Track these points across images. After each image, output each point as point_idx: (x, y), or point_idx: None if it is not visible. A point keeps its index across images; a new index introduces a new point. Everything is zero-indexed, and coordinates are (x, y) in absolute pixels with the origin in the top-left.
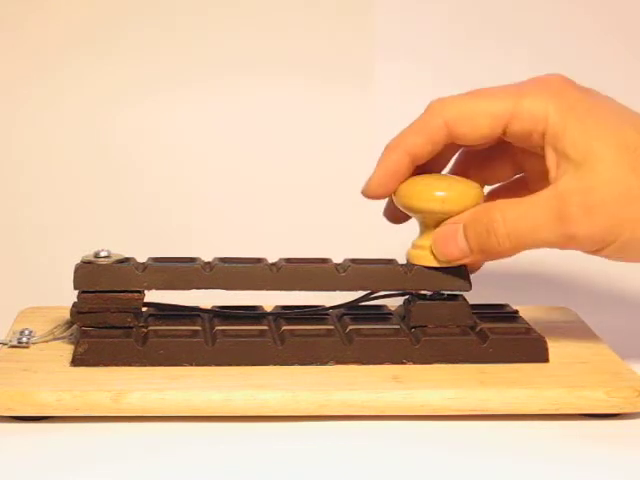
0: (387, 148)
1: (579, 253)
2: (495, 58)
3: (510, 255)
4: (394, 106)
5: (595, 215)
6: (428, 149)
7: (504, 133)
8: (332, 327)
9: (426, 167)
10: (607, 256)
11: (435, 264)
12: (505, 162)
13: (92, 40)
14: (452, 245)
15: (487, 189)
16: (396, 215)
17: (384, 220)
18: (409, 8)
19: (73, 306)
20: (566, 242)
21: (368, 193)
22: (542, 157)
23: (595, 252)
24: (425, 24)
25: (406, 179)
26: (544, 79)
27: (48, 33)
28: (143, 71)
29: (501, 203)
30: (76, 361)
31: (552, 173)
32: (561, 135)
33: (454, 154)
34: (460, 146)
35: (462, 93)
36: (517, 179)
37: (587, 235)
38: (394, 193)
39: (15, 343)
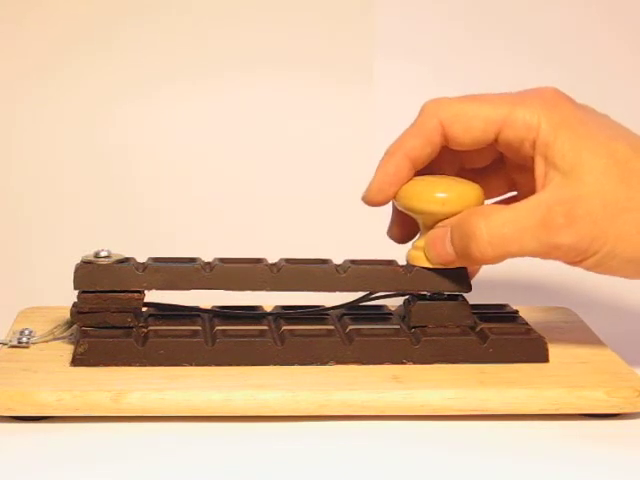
0: (386, 153)
1: None
2: (495, 56)
3: (493, 263)
4: (394, 104)
5: (580, 225)
6: (427, 151)
7: (496, 140)
8: (332, 327)
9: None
10: (588, 267)
11: (431, 265)
12: (499, 178)
13: (89, 40)
14: (440, 248)
15: None
16: (400, 235)
17: (384, 220)
18: (409, 5)
19: (73, 306)
20: (549, 251)
21: (369, 199)
22: (533, 172)
23: (576, 263)
24: (425, 22)
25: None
26: (539, 91)
27: (43, 34)
28: (144, 69)
29: (486, 209)
30: (76, 361)
31: (539, 182)
32: (551, 144)
33: (452, 166)
34: (456, 153)
35: (457, 96)
36: (509, 198)
37: (571, 245)
38: (394, 197)
39: (15, 343)
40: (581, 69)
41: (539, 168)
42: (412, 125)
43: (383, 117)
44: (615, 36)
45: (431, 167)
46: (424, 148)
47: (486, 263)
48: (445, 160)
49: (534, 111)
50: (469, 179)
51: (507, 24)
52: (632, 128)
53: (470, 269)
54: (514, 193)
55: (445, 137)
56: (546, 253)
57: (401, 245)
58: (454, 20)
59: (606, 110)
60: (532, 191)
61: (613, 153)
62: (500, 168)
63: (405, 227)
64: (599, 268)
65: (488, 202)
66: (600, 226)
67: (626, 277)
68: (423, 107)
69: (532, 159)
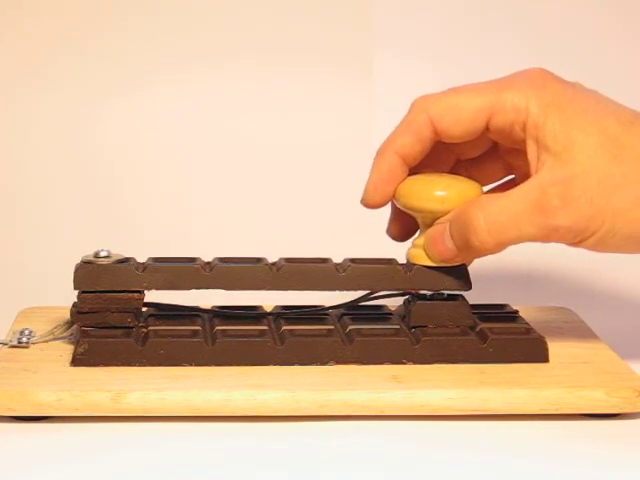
0: (378, 153)
1: (579, 252)
2: (495, 48)
3: (495, 252)
4: (395, 100)
5: (576, 205)
6: (417, 148)
7: (488, 128)
8: (332, 327)
9: (422, 171)
10: (589, 247)
11: (432, 264)
12: (495, 165)
13: (74, 39)
14: (440, 245)
15: None
16: (399, 233)
17: (384, 220)
18: None
19: (73, 306)
20: (548, 234)
21: (367, 202)
22: (526, 155)
23: (576, 244)
24: (425, 15)
25: (402, 181)
26: (525, 73)
27: (25, 34)
28: (139, 66)
29: (482, 199)
30: (76, 361)
31: (533, 165)
32: (541, 126)
33: (448, 159)
34: (450, 146)
35: (445, 90)
36: (508, 181)
37: (568, 226)
38: (394, 196)
39: (15, 343)
40: (583, 59)
41: (531, 152)
42: (401, 122)
43: (383, 113)
44: (617, 29)
45: (427, 162)
46: (414, 145)
47: (487, 253)
48: (440, 154)
49: (522, 93)
50: (466, 169)
51: (507, 16)
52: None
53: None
54: (512, 176)
55: (436, 132)
56: (545, 236)
57: (401, 244)
58: (454, 13)
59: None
60: (529, 173)
61: (604, 130)
62: (496, 154)
63: (404, 225)
64: (600, 247)
65: (487, 188)
66: (596, 204)
67: (629, 253)
68: (412, 104)
69: (524, 142)
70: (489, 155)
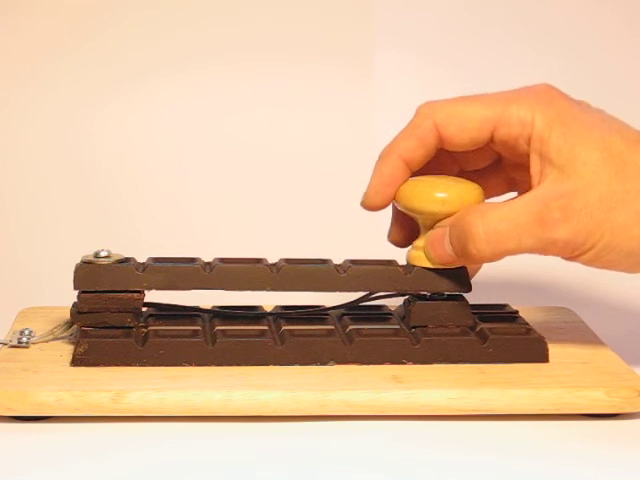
0: (380, 156)
1: None
2: (495, 47)
3: (492, 260)
4: (395, 99)
5: (576, 219)
6: (421, 153)
7: (492, 140)
8: (332, 327)
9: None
10: (586, 262)
11: (432, 265)
12: (498, 178)
13: (74, 40)
14: (440, 248)
15: None
16: (400, 238)
17: (384, 220)
18: None
19: (73, 306)
20: (546, 247)
21: (367, 204)
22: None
23: (573, 258)
24: (425, 13)
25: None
26: (532, 88)
27: (19, 35)
28: (138, 66)
29: (482, 206)
30: (76, 361)
31: (535, 179)
32: (546, 140)
33: (451, 169)
34: (454, 155)
35: (451, 98)
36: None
37: (567, 239)
38: (394, 198)
39: (15, 343)
40: (582, 59)
41: (534, 165)
42: (406, 127)
43: (383, 113)
44: (619, 25)
45: (430, 170)
46: (417, 149)
47: (485, 261)
48: (443, 163)
49: (528, 107)
50: (469, 179)
51: (508, 15)
52: (630, 122)
53: (470, 268)
54: (515, 194)
55: (441, 139)
56: (543, 249)
57: None
58: (455, 12)
59: (610, 105)
60: (531, 189)
61: (608, 146)
62: (499, 168)
63: (405, 229)
64: (597, 262)
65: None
66: (596, 219)
67: (625, 271)
68: (418, 109)
69: (528, 156)
70: (492, 168)
